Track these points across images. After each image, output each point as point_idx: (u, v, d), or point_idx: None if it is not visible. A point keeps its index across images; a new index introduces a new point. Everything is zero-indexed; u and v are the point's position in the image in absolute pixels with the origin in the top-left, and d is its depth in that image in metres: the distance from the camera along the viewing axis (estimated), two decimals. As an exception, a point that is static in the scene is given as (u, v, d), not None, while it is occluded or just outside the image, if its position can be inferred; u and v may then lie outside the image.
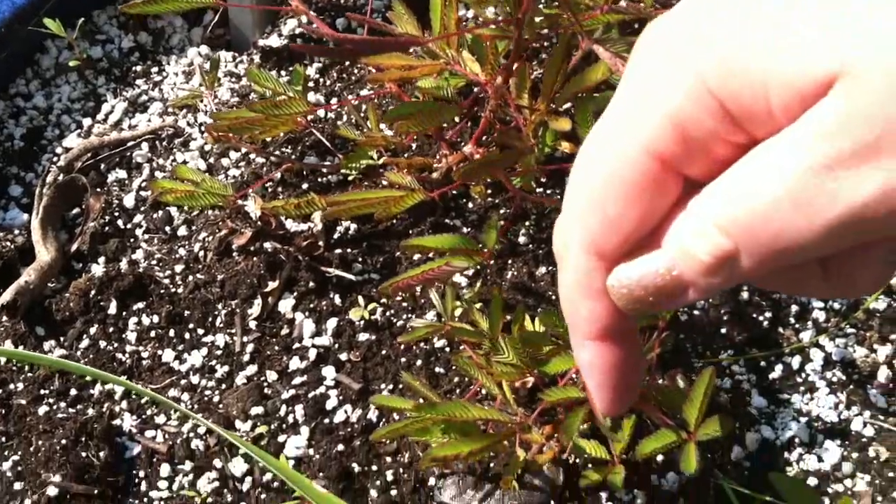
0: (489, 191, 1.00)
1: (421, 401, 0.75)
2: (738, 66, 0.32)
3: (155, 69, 1.15)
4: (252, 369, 0.94)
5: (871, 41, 0.30)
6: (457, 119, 1.04)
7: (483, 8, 0.97)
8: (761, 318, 0.93)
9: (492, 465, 0.85)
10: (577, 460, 0.85)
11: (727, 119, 0.33)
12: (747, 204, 0.32)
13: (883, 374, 0.90)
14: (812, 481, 0.85)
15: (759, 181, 0.32)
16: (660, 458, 0.86)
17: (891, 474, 0.85)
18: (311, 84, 1.10)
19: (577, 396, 0.71)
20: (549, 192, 1.00)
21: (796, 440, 0.87)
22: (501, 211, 0.99)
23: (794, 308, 0.93)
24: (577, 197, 0.36)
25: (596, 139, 0.36)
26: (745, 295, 0.93)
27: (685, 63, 0.34)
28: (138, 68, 1.14)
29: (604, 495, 0.84)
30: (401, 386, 0.91)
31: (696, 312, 0.93)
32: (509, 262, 0.97)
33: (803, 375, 0.91)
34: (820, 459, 0.86)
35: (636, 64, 0.37)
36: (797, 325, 0.93)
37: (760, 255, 0.32)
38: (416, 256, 0.97)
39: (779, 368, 0.91)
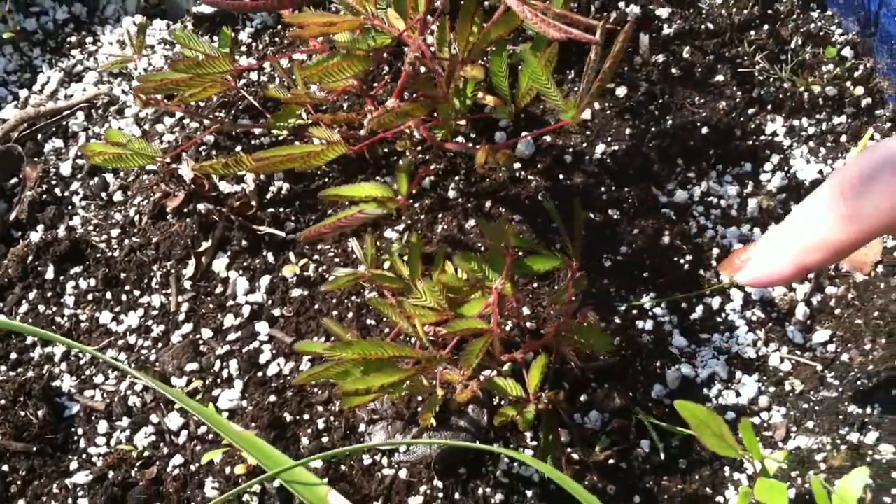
0: (418, 147, 1.02)
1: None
2: None
3: (90, 39, 1.16)
4: (187, 328, 0.95)
5: None
6: (387, 78, 1.06)
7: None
8: (682, 261, 0.95)
9: (419, 409, 0.87)
10: (503, 402, 0.87)
11: None
12: None
13: (800, 311, 0.92)
14: (730, 415, 0.87)
15: None
16: (583, 397, 0.88)
17: (805, 406, 0.87)
18: (243, 48, 1.11)
19: (479, 327, 0.73)
20: (478, 146, 1.01)
21: (715, 377, 0.90)
22: (433, 166, 1.00)
23: (715, 251, 0.96)
24: None
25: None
26: (665, 239, 0.96)
27: None
28: (73, 39, 1.16)
29: (528, 434, 0.87)
30: (333, 339, 0.92)
31: (619, 258, 0.95)
32: (440, 215, 0.98)
33: (723, 315, 0.93)
34: (738, 394, 0.89)
35: None
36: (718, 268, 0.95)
37: None
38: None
39: (700, 309, 0.93)
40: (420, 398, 0.87)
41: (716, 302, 0.93)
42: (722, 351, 0.91)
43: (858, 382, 0.86)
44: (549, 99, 0.79)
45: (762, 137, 1.01)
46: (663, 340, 0.91)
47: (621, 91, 1.03)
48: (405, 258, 0.88)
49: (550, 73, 0.80)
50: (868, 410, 0.84)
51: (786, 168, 1.00)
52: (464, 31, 0.85)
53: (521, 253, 0.86)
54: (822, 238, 0.62)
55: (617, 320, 0.92)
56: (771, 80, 1.03)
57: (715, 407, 0.88)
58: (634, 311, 0.93)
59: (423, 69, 0.90)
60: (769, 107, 1.02)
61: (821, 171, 0.99)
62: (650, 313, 0.93)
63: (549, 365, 0.82)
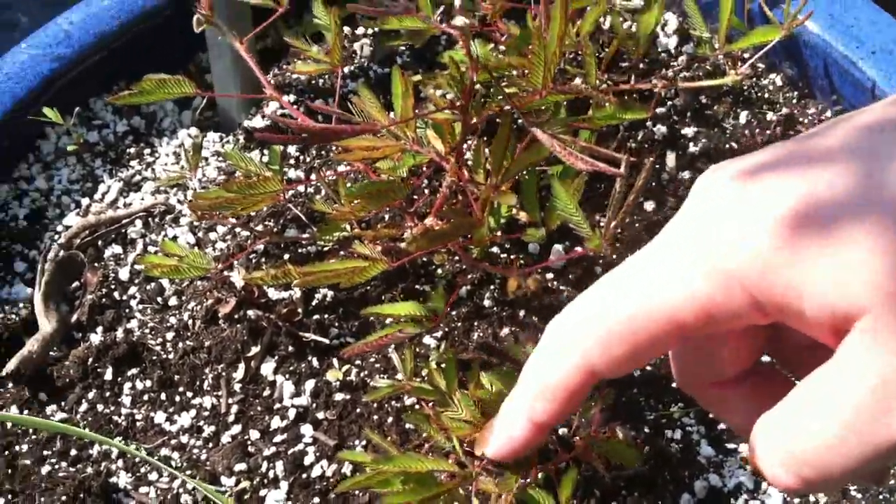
0: (455, 258, 1.08)
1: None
2: (780, 279, 0.40)
3: (148, 150, 1.24)
4: (237, 428, 1.01)
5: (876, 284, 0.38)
6: (427, 191, 1.12)
7: (437, 91, 1.05)
8: (708, 371, 0.99)
9: (454, 514, 0.91)
10: (534, 509, 0.91)
11: (756, 308, 0.41)
12: (812, 446, 0.40)
13: (821, 421, 0.96)
14: (754, 524, 0.91)
15: (819, 425, 0.39)
16: (611, 504, 0.92)
17: (826, 516, 0.91)
18: (291, 161, 1.18)
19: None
20: (512, 256, 1.07)
21: (742, 487, 0.94)
22: (469, 276, 1.06)
23: (739, 361, 1.00)
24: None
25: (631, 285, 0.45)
26: (691, 350, 1.00)
27: (721, 259, 0.41)
28: (132, 150, 1.23)
29: (560, 541, 0.91)
30: (373, 444, 0.97)
31: (648, 368, 1.00)
32: (475, 323, 1.04)
33: (747, 424, 0.97)
34: (762, 504, 0.93)
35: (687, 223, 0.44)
36: (742, 377, 0.99)
37: (829, 482, 0.40)
38: (389, 320, 1.04)
39: (725, 418, 0.97)
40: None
41: (739, 412, 0.97)
42: (748, 461, 0.95)
43: (880, 496, 0.90)
44: (576, 227, 0.84)
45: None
46: (691, 450, 0.96)
47: (649, 205, 1.09)
48: (443, 365, 0.94)
49: (577, 203, 0.86)
50: (886, 524, 0.88)
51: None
52: (497, 156, 0.92)
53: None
54: (545, 382, 0.51)
55: (646, 429, 0.96)
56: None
57: (739, 516, 0.92)
58: (664, 420, 0.97)
59: (459, 191, 0.96)
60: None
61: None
62: (679, 423, 0.97)
63: (579, 475, 0.86)
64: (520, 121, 1.10)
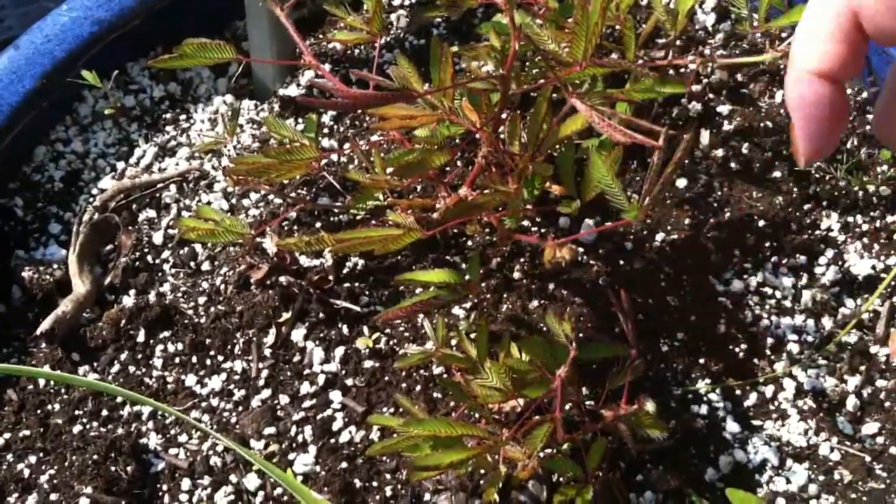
0: (486, 230, 1.08)
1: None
2: None
3: (183, 116, 1.24)
4: (266, 393, 1.02)
5: None
6: (458, 164, 1.13)
7: (474, 63, 1.05)
8: (737, 349, 1.00)
9: (481, 482, 0.92)
10: (561, 479, 0.92)
11: None
12: None
13: (851, 402, 0.96)
14: (780, 502, 0.91)
15: None
16: (639, 477, 0.92)
17: (853, 496, 0.91)
18: (325, 130, 1.19)
19: (547, 418, 0.78)
20: (543, 230, 1.08)
21: (767, 463, 0.94)
22: (500, 248, 1.06)
23: (770, 340, 1.00)
24: None
25: None
26: (722, 327, 1.00)
27: None
28: (168, 116, 1.24)
29: (585, 512, 0.91)
30: (402, 410, 0.98)
31: (676, 343, 1.00)
32: (504, 295, 1.04)
33: (776, 403, 0.97)
34: (788, 481, 0.93)
35: None
36: (772, 357, 0.99)
37: None
38: (419, 290, 1.05)
39: (753, 397, 0.98)
40: (482, 471, 0.92)
41: (769, 390, 0.98)
42: (774, 438, 0.95)
43: (903, 475, 0.90)
44: (614, 198, 0.84)
45: (817, 232, 1.06)
46: (717, 425, 0.96)
47: (681, 182, 1.09)
48: (472, 336, 0.94)
49: (615, 174, 0.86)
50: (914, 504, 0.88)
51: (840, 262, 1.04)
52: (535, 128, 0.92)
53: (581, 335, 0.92)
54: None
55: (672, 404, 0.97)
56: (826, 178, 1.08)
57: (766, 493, 0.92)
58: (690, 396, 0.97)
59: (493, 163, 0.96)
60: (824, 203, 1.07)
61: (874, 267, 1.03)
62: (705, 399, 0.97)
63: (606, 446, 0.86)
64: (555, 95, 1.10)
